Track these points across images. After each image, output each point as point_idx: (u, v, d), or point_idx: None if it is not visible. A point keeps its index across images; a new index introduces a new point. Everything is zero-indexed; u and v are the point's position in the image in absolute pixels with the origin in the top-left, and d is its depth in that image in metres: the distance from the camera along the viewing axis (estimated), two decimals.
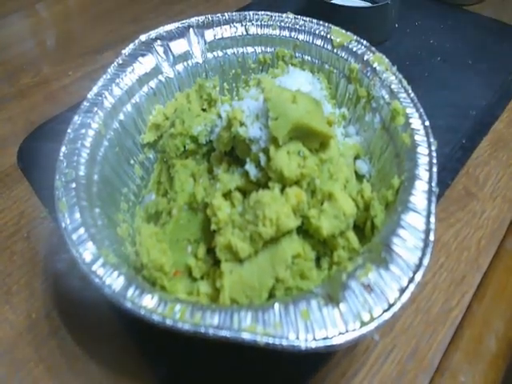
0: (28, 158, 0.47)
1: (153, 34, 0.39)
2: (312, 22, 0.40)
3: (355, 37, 0.38)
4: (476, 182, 0.44)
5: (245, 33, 0.41)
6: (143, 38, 0.39)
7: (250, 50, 0.42)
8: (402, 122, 0.32)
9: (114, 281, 0.25)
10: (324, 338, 0.22)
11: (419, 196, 0.27)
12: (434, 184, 0.28)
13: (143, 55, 0.38)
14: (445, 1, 0.66)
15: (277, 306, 0.23)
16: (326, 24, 0.39)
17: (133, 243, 0.32)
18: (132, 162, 0.37)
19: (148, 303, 0.24)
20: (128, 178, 0.37)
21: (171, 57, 0.40)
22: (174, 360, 0.32)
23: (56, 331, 0.34)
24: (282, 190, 0.29)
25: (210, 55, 0.41)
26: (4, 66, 0.59)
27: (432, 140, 0.30)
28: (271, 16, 0.41)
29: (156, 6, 0.70)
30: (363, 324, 0.22)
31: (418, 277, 0.24)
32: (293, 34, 0.40)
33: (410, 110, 0.32)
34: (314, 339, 0.22)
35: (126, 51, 0.38)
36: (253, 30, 0.41)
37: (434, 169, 0.28)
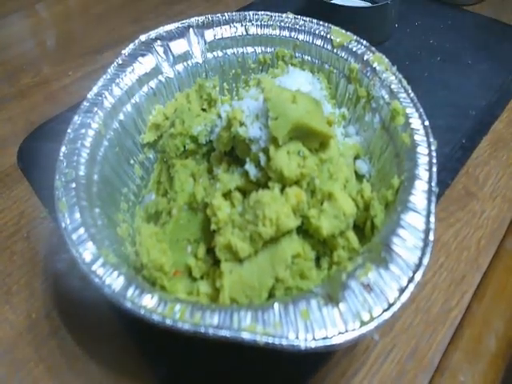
0: (28, 157, 0.47)
1: (153, 34, 0.39)
2: (312, 22, 0.40)
3: (355, 37, 0.38)
4: (476, 181, 0.44)
5: (245, 33, 0.41)
6: (143, 38, 0.39)
7: (249, 49, 0.42)
8: (402, 121, 0.32)
9: (113, 281, 0.25)
10: (324, 338, 0.22)
11: (419, 196, 0.27)
12: (433, 184, 0.28)
13: (143, 55, 0.38)
14: (445, 1, 0.66)
15: (276, 305, 0.24)
16: (326, 24, 0.39)
17: (133, 243, 0.32)
18: (132, 161, 0.37)
19: (148, 303, 0.24)
20: (128, 178, 0.37)
21: (171, 57, 0.40)
22: (174, 360, 0.32)
23: (56, 331, 0.34)
24: (282, 190, 0.29)
25: (209, 55, 0.41)
26: (4, 66, 0.59)
27: (432, 140, 0.30)
28: (271, 16, 0.41)
29: (156, 6, 0.70)
30: (363, 324, 0.22)
31: (418, 276, 0.24)
32: (293, 33, 0.40)
33: (410, 110, 0.32)
34: (314, 339, 0.22)
35: (126, 51, 0.38)
36: (253, 30, 0.41)
37: (434, 168, 0.28)
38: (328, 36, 0.39)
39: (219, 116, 0.35)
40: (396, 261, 0.24)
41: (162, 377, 0.31)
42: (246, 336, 0.22)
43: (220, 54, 0.41)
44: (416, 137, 0.30)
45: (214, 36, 0.41)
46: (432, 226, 0.25)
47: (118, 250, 0.30)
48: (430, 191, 0.27)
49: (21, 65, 0.59)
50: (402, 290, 0.23)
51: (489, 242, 0.39)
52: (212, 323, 0.23)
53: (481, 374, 0.32)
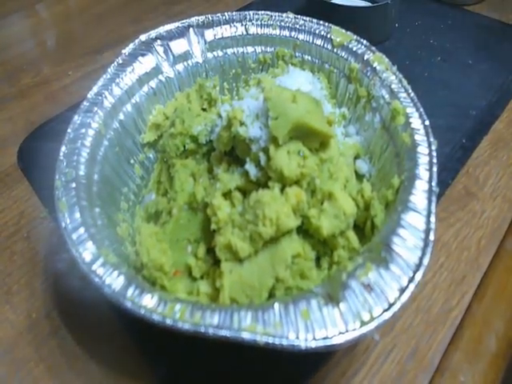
0: (28, 157, 0.47)
1: (153, 33, 0.39)
2: (312, 22, 0.40)
3: (355, 36, 0.38)
4: (476, 181, 0.44)
5: (245, 32, 0.41)
6: (143, 37, 0.39)
7: (250, 49, 0.42)
8: (402, 121, 0.32)
9: (113, 280, 0.25)
10: (324, 338, 0.22)
11: (419, 195, 0.27)
12: (434, 183, 0.27)
13: (143, 55, 0.38)
14: (445, 1, 0.66)
15: (277, 305, 0.23)
16: (326, 24, 0.39)
17: (133, 243, 0.32)
18: (132, 161, 0.37)
19: (148, 303, 0.24)
20: (128, 178, 0.37)
21: (171, 57, 0.40)
22: (174, 360, 0.32)
23: (56, 331, 0.34)
24: (282, 190, 0.29)
25: (210, 55, 0.41)
26: (4, 66, 0.59)
27: (432, 139, 0.30)
28: (271, 16, 0.41)
29: (156, 6, 0.70)
30: (363, 324, 0.22)
31: (418, 276, 0.24)
32: (293, 33, 0.40)
33: (410, 110, 0.32)
34: (314, 339, 0.22)
35: (126, 51, 0.38)
36: (253, 30, 0.41)
37: (434, 168, 0.28)
38: (328, 36, 0.39)
39: (219, 116, 0.35)
40: (396, 261, 0.24)
41: (162, 377, 0.31)
42: (246, 336, 0.22)
43: (220, 53, 0.41)
44: (416, 136, 0.30)
45: (214, 36, 0.41)
46: (432, 225, 0.25)
47: (118, 249, 0.30)
48: (430, 191, 0.27)
49: (21, 65, 0.59)
50: (402, 290, 0.23)
51: (489, 241, 0.39)
52: (212, 323, 0.23)
53: (481, 374, 0.32)
